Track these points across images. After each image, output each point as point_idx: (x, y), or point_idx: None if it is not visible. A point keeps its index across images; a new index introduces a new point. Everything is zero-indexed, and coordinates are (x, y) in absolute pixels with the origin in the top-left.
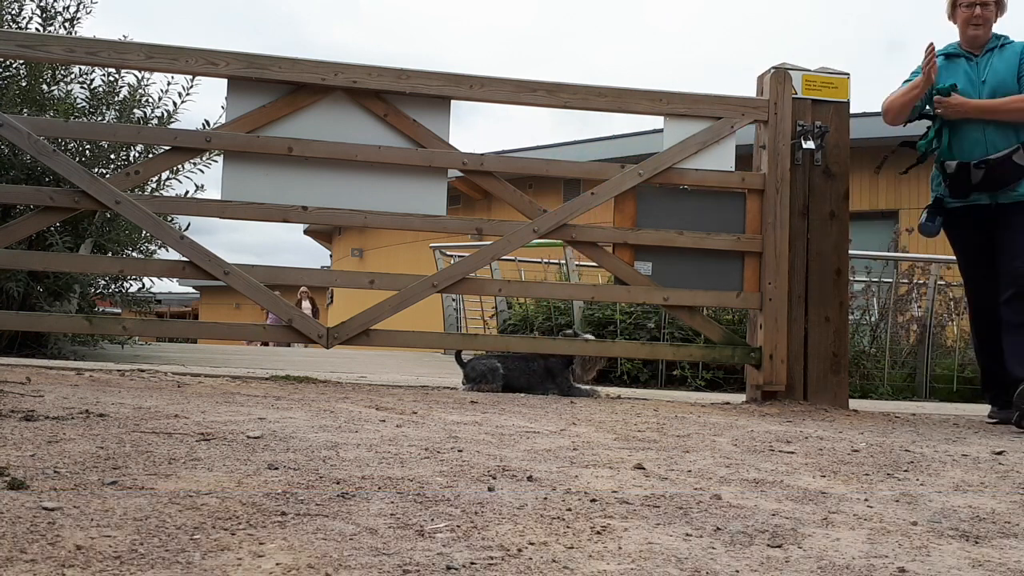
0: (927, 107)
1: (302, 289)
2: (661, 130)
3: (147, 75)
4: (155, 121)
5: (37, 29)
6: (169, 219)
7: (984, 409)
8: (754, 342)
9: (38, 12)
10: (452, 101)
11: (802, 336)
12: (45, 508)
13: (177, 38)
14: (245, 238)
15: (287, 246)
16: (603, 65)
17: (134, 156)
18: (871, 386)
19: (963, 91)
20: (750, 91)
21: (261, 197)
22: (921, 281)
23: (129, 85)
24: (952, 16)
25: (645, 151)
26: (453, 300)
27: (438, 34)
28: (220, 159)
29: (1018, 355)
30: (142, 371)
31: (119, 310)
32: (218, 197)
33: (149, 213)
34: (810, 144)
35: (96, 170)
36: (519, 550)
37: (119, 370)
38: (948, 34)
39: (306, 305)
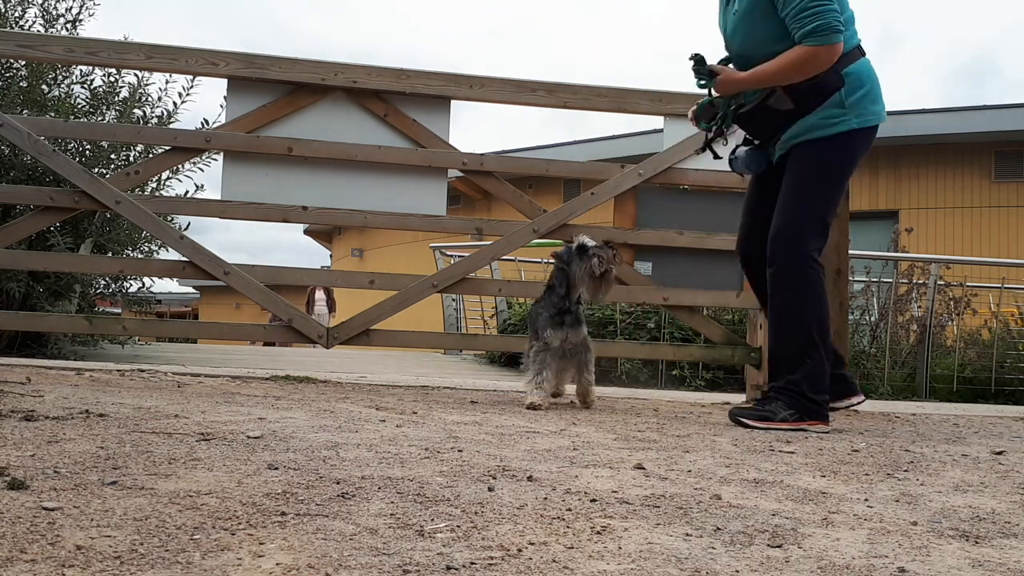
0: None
1: None
2: (661, 130)
3: (147, 75)
4: (155, 121)
5: (39, 31)
6: (169, 219)
7: (985, 409)
8: (754, 342)
9: (40, 14)
10: (452, 101)
11: None
12: (45, 508)
13: (155, 32)
14: (238, 237)
15: (281, 245)
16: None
17: (134, 156)
18: (871, 386)
19: (721, 26)
20: None
21: (261, 197)
22: (921, 281)
23: (129, 85)
24: None
25: (645, 151)
26: (453, 300)
27: (422, 27)
28: (220, 159)
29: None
30: (142, 371)
31: (119, 310)
32: (218, 197)
33: (149, 213)
34: None
35: (96, 170)
36: (519, 550)
37: (119, 370)
38: (944, 29)
39: (320, 296)
